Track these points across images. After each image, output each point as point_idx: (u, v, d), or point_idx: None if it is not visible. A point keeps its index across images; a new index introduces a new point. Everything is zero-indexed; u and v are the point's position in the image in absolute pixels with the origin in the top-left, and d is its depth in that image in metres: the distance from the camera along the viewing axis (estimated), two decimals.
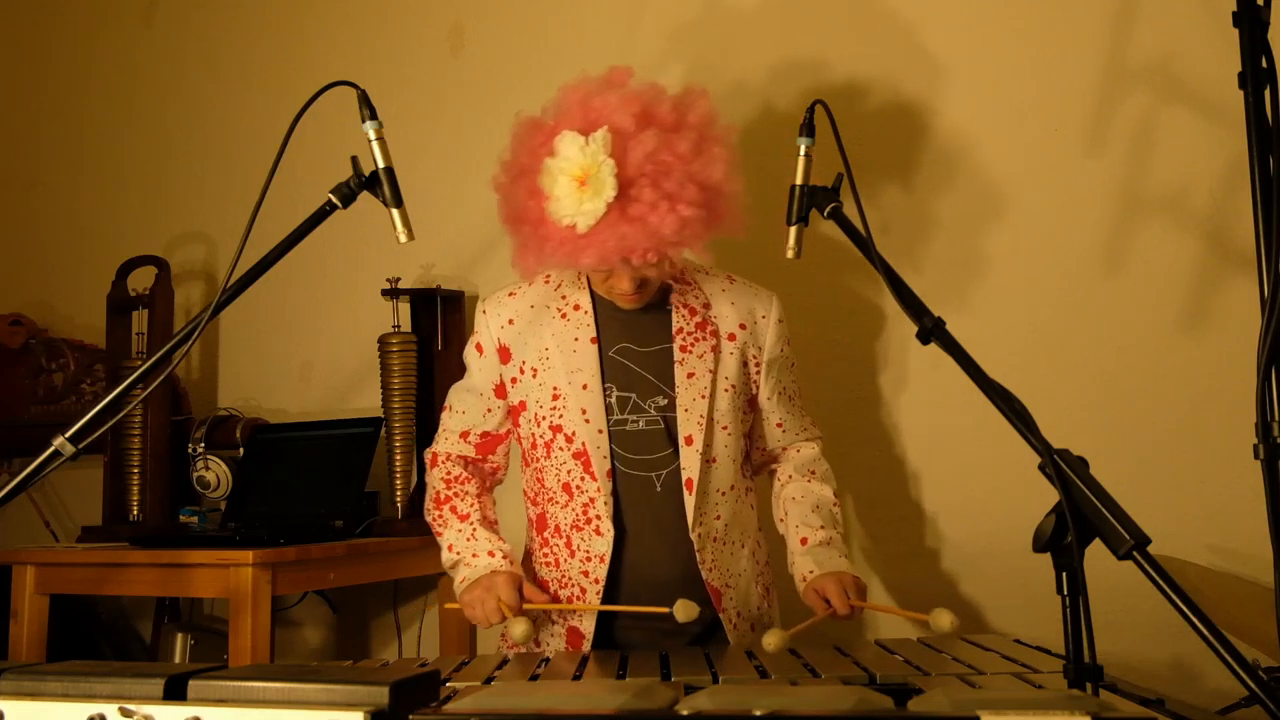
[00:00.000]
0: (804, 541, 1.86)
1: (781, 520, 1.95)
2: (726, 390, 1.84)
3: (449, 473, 1.93)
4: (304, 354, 3.01)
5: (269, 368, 3.04)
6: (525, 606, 1.76)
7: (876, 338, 2.42)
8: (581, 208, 1.60)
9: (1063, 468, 1.19)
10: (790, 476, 1.96)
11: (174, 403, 2.90)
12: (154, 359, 1.50)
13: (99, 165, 3.35)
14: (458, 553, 1.85)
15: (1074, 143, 2.30)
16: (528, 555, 1.95)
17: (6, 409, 3.12)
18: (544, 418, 1.83)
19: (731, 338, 1.86)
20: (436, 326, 2.70)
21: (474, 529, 1.86)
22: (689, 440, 1.80)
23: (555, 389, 1.82)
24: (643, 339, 1.85)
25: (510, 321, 1.88)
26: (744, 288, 1.92)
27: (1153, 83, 2.24)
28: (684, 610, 1.68)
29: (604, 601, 1.80)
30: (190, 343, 1.51)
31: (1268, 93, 1.37)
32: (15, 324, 3.14)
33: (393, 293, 2.66)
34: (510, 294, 1.92)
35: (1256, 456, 1.31)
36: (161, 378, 1.50)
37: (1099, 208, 2.28)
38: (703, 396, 1.81)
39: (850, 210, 1.51)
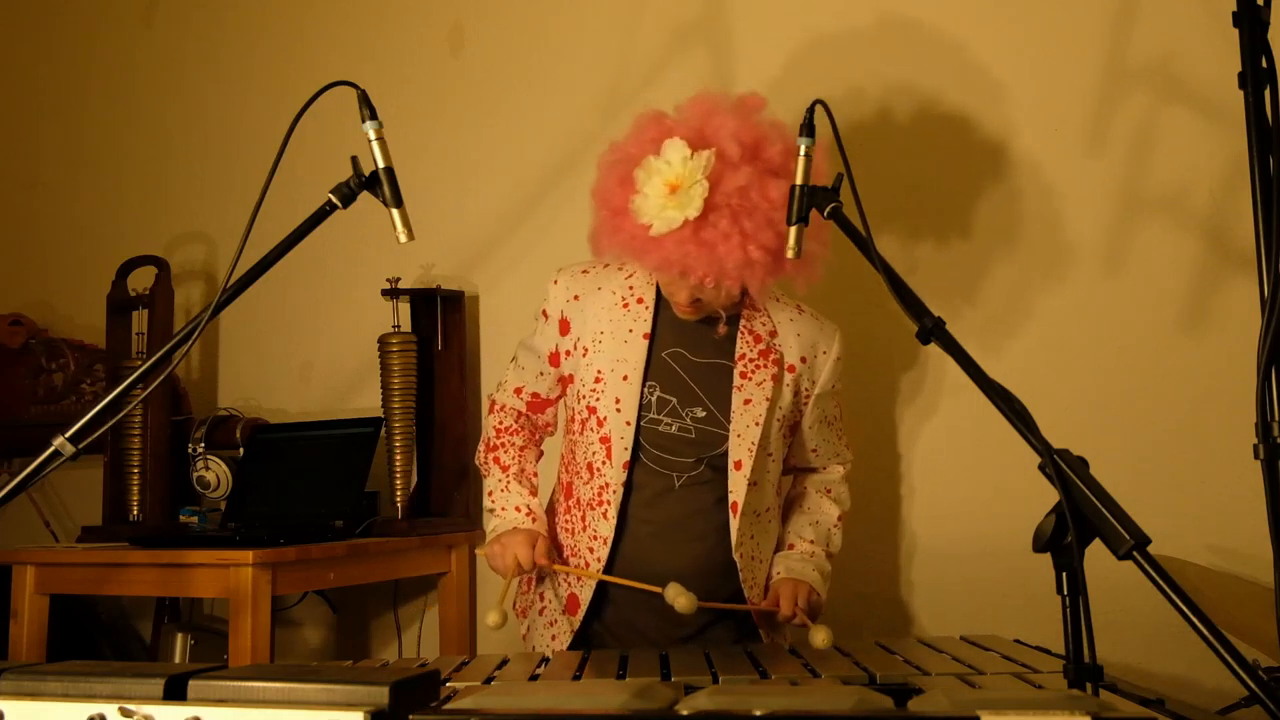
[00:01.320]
0: (790, 547, 1.95)
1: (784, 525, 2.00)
2: (778, 420, 1.87)
3: (501, 422, 2.02)
4: (304, 354, 3.00)
5: (269, 368, 3.04)
6: (538, 564, 1.85)
7: (874, 337, 2.42)
8: (663, 213, 1.65)
9: (1063, 468, 1.19)
10: (804, 489, 2.03)
11: (174, 403, 2.90)
12: (154, 359, 1.50)
13: (99, 165, 3.34)
14: (493, 501, 1.96)
15: (1074, 143, 2.30)
16: (551, 513, 2.00)
17: (6, 409, 3.12)
18: (584, 397, 1.88)
19: (791, 369, 1.88)
20: (436, 326, 2.70)
21: (509, 481, 1.95)
22: (738, 465, 1.83)
23: (599, 372, 1.86)
24: (699, 349, 1.87)
25: (576, 298, 1.91)
26: (810, 320, 1.92)
27: (1153, 83, 2.24)
28: (680, 598, 1.72)
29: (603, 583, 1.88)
30: (190, 343, 1.51)
31: (1268, 93, 1.37)
32: (15, 324, 3.14)
33: (393, 293, 2.66)
34: (584, 271, 1.94)
35: (1256, 456, 1.31)
36: (161, 378, 1.50)
37: (1099, 208, 2.28)
38: (756, 424, 1.83)
39: (850, 210, 1.51)
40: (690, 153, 1.66)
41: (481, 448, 2.04)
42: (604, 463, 1.85)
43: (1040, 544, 1.18)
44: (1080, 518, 1.15)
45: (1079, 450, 1.23)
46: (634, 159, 1.72)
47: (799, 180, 1.56)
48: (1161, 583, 1.12)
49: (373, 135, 1.55)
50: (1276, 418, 1.30)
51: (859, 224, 1.47)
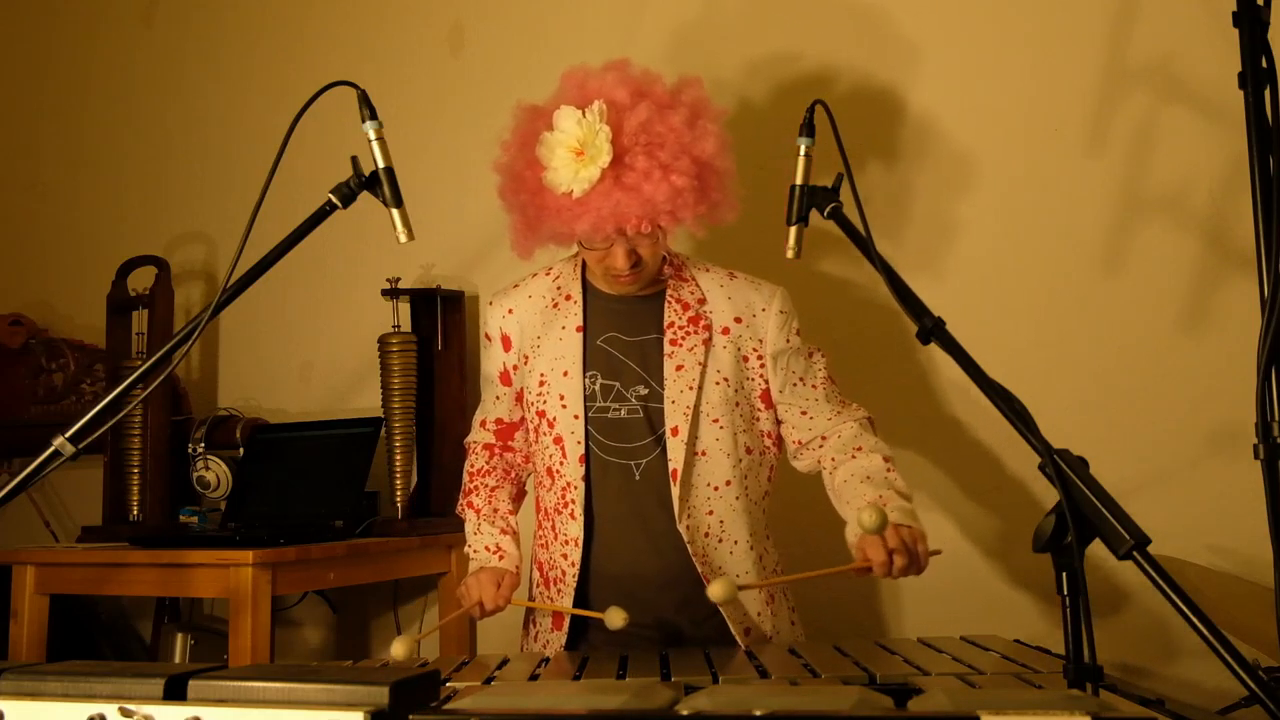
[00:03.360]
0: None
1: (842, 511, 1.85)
2: (718, 384, 1.84)
3: (473, 465, 2.02)
4: (304, 354, 3.00)
5: (269, 368, 3.04)
6: (499, 605, 1.82)
7: (874, 336, 2.42)
8: (578, 175, 1.68)
9: (1063, 468, 1.19)
10: (834, 460, 1.86)
11: (174, 403, 2.90)
12: (154, 359, 1.50)
13: (99, 165, 3.34)
14: (469, 545, 1.95)
15: (1074, 143, 2.30)
16: (534, 538, 1.99)
17: (6, 409, 3.12)
18: (533, 404, 1.90)
19: (725, 331, 1.87)
20: (436, 326, 2.70)
21: (480, 523, 1.94)
22: (675, 431, 1.81)
23: (542, 375, 1.89)
24: (631, 329, 1.88)
25: (510, 312, 1.95)
26: (744, 283, 1.92)
27: (1153, 83, 2.24)
28: (615, 616, 1.68)
29: (579, 584, 1.84)
30: (190, 343, 1.51)
31: (1268, 93, 1.37)
32: (15, 324, 3.14)
33: (393, 293, 2.66)
34: (514, 286, 1.99)
35: (1256, 456, 1.31)
36: (161, 378, 1.50)
37: (1099, 208, 2.28)
38: (690, 388, 1.82)
39: (850, 210, 1.51)
40: (581, 113, 1.69)
41: (460, 496, 2.02)
42: (561, 462, 1.85)
43: (1040, 544, 1.18)
44: (1080, 518, 1.15)
45: (1079, 450, 1.23)
46: (530, 144, 1.75)
47: (799, 180, 1.56)
48: (1161, 583, 1.12)
49: (373, 135, 1.55)
50: (1276, 418, 1.30)
51: (859, 224, 1.47)
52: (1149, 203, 2.24)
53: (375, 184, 1.55)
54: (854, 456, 1.84)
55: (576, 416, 1.84)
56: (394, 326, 2.67)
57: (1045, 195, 2.32)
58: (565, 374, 1.86)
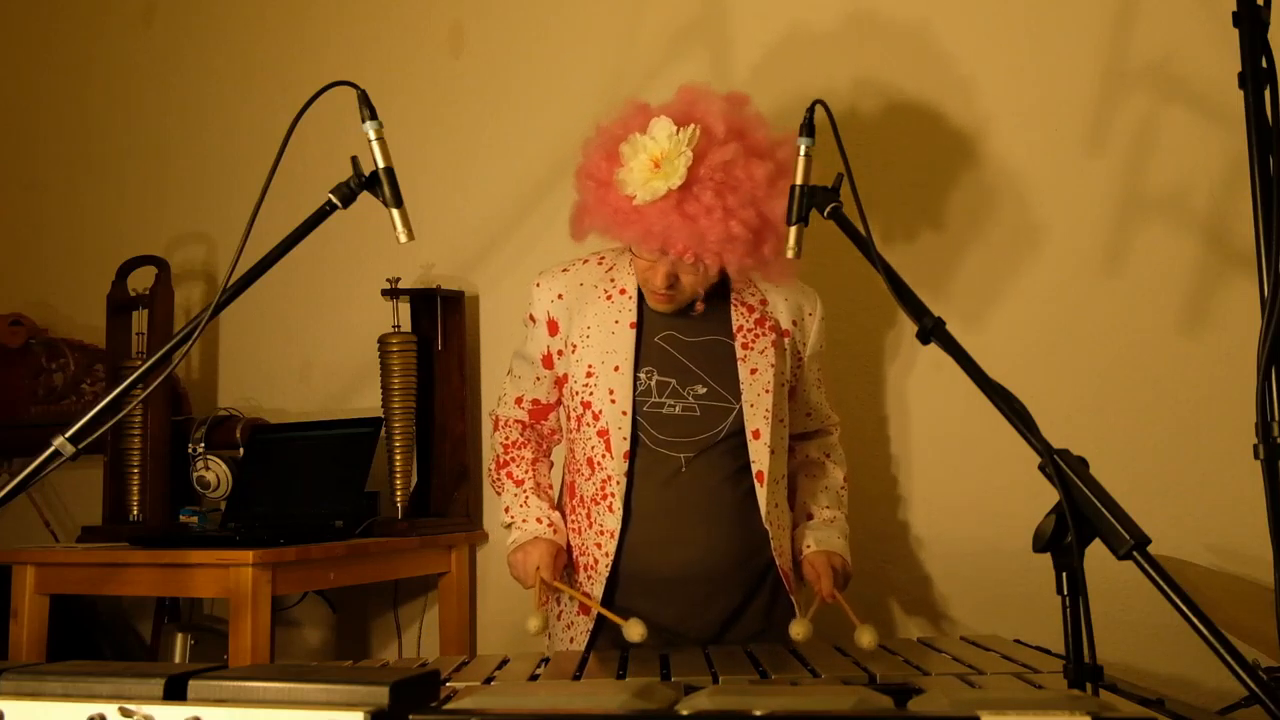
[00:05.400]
0: (810, 516, 1.97)
1: (790, 494, 2.01)
2: (783, 385, 1.90)
3: (507, 438, 2.02)
4: (304, 354, 3.00)
5: (269, 368, 3.04)
6: (554, 584, 1.84)
7: (875, 336, 2.42)
8: (647, 184, 1.69)
9: (1063, 468, 1.19)
10: (807, 455, 2.05)
11: (174, 403, 2.90)
12: (154, 359, 1.50)
13: (99, 165, 3.34)
14: (511, 516, 1.94)
15: (1074, 143, 2.30)
16: (560, 517, 2.00)
17: (6, 409, 3.12)
18: (578, 393, 1.90)
19: (786, 334, 1.93)
20: (436, 326, 2.70)
21: (526, 495, 1.95)
22: (756, 434, 1.85)
23: (590, 367, 1.88)
24: (691, 329, 1.90)
25: (560, 296, 1.94)
26: (793, 285, 1.97)
27: (1153, 83, 2.24)
28: (634, 629, 1.70)
29: (611, 574, 1.85)
30: (190, 343, 1.51)
31: (1268, 93, 1.37)
32: (15, 324, 3.14)
33: (393, 293, 2.66)
34: (564, 269, 1.97)
35: (1256, 456, 1.31)
36: (161, 378, 1.50)
37: (1099, 208, 2.28)
38: (766, 391, 1.86)
39: (850, 210, 1.51)
40: (676, 129, 1.70)
41: (492, 465, 2.03)
42: (604, 456, 1.85)
43: (1040, 544, 1.18)
44: (1080, 518, 1.15)
45: (1079, 450, 1.23)
46: (620, 138, 1.76)
47: (799, 180, 1.56)
48: (1161, 583, 1.12)
49: (373, 135, 1.55)
50: (1276, 418, 1.30)
51: (859, 224, 1.47)
52: (1149, 203, 2.24)
53: (375, 184, 1.55)
54: (823, 460, 2.05)
55: (625, 413, 1.84)
56: (394, 326, 2.67)
57: (1046, 195, 2.32)
58: (616, 369, 1.86)
